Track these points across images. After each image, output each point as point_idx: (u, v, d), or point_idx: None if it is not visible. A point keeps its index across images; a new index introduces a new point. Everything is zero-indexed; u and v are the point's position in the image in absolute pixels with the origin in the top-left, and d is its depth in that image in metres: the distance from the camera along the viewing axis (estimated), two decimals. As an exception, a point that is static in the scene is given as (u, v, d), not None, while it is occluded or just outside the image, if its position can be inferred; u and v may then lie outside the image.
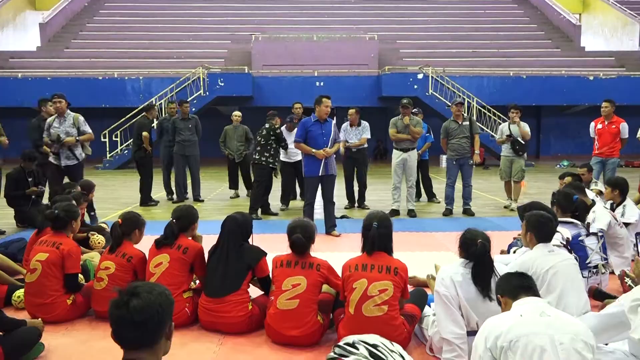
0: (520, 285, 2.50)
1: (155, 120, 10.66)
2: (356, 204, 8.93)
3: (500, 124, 17.36)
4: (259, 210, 8.12)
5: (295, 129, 7.53)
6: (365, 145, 8.82)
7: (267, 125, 8.09)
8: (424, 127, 9.32)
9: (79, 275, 4.08)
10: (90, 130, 7.41)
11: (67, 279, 3.84)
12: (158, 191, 10.53)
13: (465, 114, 8.52)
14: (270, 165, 7.99)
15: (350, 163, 8.81)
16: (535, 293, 2.48)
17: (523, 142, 8.66)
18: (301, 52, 20.55)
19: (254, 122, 10.47)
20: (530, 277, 2.58)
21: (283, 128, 8.68)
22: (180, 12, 24.68)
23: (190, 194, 10.05)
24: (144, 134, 9.35)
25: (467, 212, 8.25)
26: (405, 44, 22.52)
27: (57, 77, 18.27)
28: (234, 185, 10.44)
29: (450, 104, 8.66)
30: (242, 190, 10.50)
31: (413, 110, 9.50)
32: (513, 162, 8.76)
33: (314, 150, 6.57)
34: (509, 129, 8.70)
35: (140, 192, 9.46)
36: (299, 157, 7.83)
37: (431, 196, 9.76)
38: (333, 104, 6.90)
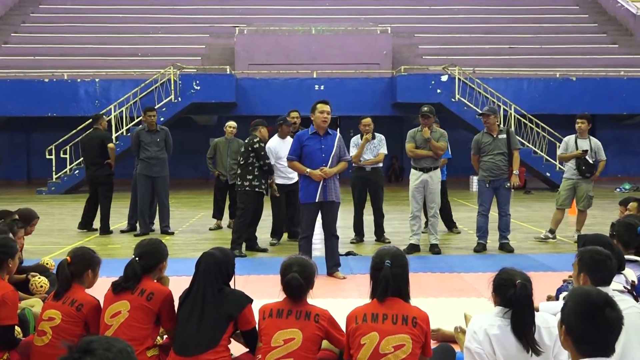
0: (595, 341, 2.42)
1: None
2: (373, 237, 8.95)
3: (544, 137, 17.46)
4: (243, 246, 8.11)
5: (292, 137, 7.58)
6: (381, 164, 8.88)
7: (247, 140, 8.17)
8: None
9: (16, 327, 4.04)
10: None
11: (1, 333, 3.81)
12: (117, 220, 10.53)
13: (502, 125, 8.58)
14: (256, 190, 8.01)
15: (362, 185, 8.84)
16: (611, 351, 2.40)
17: (591, 162, 8.73)
18: (296, 49, 20.74)
19: (237, 136, 10.51)
20: (612, 328, 2.45)
21: (274, 138, 8.69)
22: (146, 0, 24.97)
23: (157, 225, 10.05)
24: (110, 146, 9.63)
25: (505, 247, 8.24)
26: (425, 39, 22.76)
27: (-8, 79, 18.46)
28: (218, 213, 10.45)
29: (480, 113, 8.74)
30: (227, 219, 10.50)
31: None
32: (577, 187, 8.82)
33: (308, 169, 6.60)
34: (575, 144, 8.79)
35: (101, 221, 9.73)
36: (297, 178, 7.86)
37: (451, 225, 9.76)
38: (335, 112, 6.94)
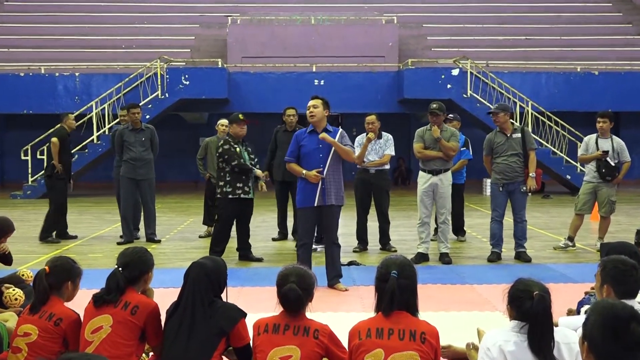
0: (620, 359, 2.41)
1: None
2: (378, 245, 8.97)
3: (563, 136, 17.47)
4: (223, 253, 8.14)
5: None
6: (387, 166, 8.88)
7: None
8: (461, 139, 9.38)
9: (-12, 343, 4.04)
10: None
11: (-28, 350, 3.81)
12: (99, 227, 10.54)
13: (517, 123, 8.60)
14: (229, 196, 8.02)
15: (365, 189, 8.85)
16: None
17: (613, 165, 8.74)
18: (294, 40, 20.76)
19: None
20: (638, 344, 2.41)
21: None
22: (131, -13, 25.01)
23: (142, 232, 10.07)
24: (53, 140, 9.72)
25: (521, 256, 8.25)
26: (435, 29, 22.79)
27: (-37, 73, 18.49)
28: (209, 219, 10.46)
29: (489, 111, 8.76)
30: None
31: (449, 116, 9.59)
32: (598, 191, 8.84)
33: (304, 171, 6.62)
34: (596, 144, 8.79)
35: (44, 222, 9.84)
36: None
37: (459, 232, 9.79)
38: (337, 109, 6.96)
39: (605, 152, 8.73)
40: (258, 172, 8.19)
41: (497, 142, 8.22)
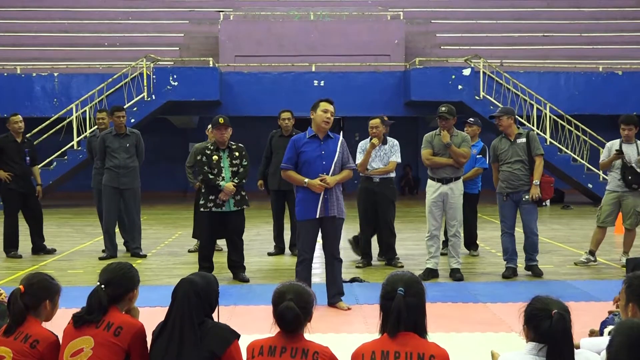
0: None
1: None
2: (383, 259, 8.98)
3: (585, 141, 17.47)
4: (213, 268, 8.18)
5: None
6: (393, 175, 8.89)
7: None
8: (478, 145, 9.40)
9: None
10: None
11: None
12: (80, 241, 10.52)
13: (535, 127, 8.60)
14: (201, 209, 8.09)
15: (369, 199, 8.86)
16: None
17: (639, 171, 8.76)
18: (292, 37, 20.81)
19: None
20: None
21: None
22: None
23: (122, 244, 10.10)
24: None
25: (533, 269, 8.31)
26: (444, 25, 22.84)
27: None
28: (199, 232, 10.44)
29: (490, 116, 8.81)
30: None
31: (469, 120, 9.60)
32: (623, 201, 8.84)
33: (307, 179, 6.61)
34: (620, 150, 8.81)
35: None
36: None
37: (471, 246, 9.79)
38: (338, 112, 6.97)
39: (620, 153, 8.73)
40: (227, 185, 7.92)
41: (502, 148, 8.28)
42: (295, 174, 6.70)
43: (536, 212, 8.30)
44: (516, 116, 8.41)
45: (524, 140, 8.20)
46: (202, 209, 8.07)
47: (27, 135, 10.61)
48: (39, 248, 10.05)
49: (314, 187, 6.58)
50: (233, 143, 8.24)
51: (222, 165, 8.06)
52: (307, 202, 6.66)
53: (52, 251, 10.07)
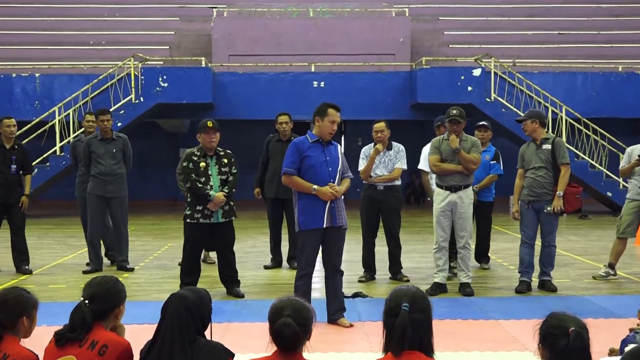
0: None
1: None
2: (388, 274, 8.97)
3: (603, 146, 17.47)
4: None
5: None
6: (398, 182, 8.89)
7: None
8: (490, 150, 9.39)
9: None
10: None
11: None
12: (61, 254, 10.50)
13: (551, 132, 8.61)
14: (187, 220, 8.04)
15: (373, 208, 8.85)
16: None
17: None
18: (290, 36, 20.84)
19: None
20: None
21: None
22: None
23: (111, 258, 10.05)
24: None
25: (545, 285, 8.30)
26: (453, 23, 22.88)
27: None
28: None
29: (517, 120, 8.80)
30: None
31: (481, 123, 9.60)
32: None
33: (315, 186, 6.61)
34: None
35: None
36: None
37: (482, 258, 9.80)
38: (340, 115, 6.94)
39: None
40: (218, 194, 7.89)
41: (528, 153, 8.29)
42: (300, 180, 6.65)
43: (557, 222, 8.32)
44: (544, 120, 8.38)
45: (549, 146, 8.20)
46: (188, 220, 8.01)
47: (24, 142, 10.38)
48: (16, 265, 9.71)
49: (325, 195, 6.57)
50: (221, 149, 8.19)
51: (209, 172, 8.02)
52: (311, 210, 6.63)
53: (28, 272, 9.61)
